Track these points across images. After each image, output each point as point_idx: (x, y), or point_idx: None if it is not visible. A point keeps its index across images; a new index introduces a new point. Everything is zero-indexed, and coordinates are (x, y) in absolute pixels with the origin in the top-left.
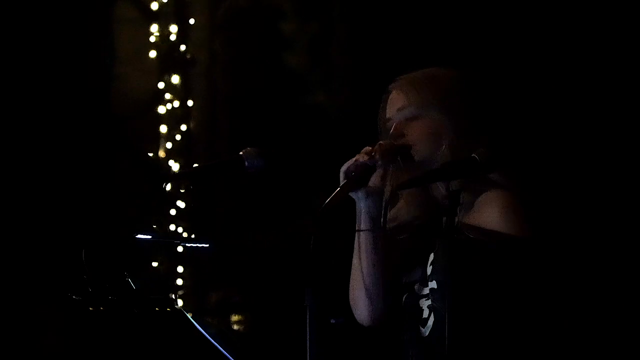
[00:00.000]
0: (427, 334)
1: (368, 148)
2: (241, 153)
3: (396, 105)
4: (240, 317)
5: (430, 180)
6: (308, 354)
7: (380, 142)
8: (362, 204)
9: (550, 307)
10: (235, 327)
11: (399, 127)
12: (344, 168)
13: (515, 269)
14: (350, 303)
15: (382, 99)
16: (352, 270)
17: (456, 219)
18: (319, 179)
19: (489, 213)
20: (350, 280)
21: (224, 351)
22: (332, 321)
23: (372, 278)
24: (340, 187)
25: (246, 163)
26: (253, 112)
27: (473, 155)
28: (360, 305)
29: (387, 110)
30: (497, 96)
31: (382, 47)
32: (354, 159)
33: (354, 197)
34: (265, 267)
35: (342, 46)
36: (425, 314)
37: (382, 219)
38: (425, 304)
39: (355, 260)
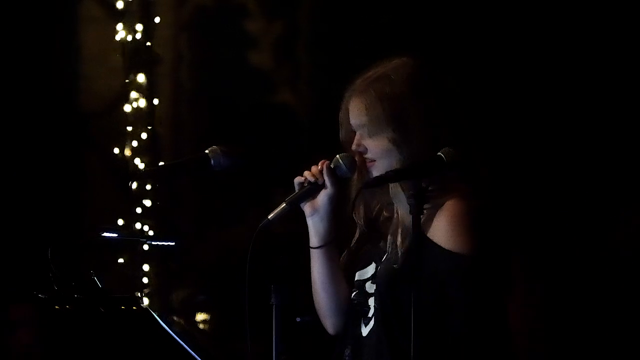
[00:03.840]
0: (366, 333)
1: (315, 168)
2: (207, 152)
3: (357, 117)
4: (205, 315)
5: (398, 179)
6: (274, 353)
7: (326, 161)
8: (309, 220)
9: (489, 317)
10: (201, 325)
11: (361, 141)
12: (296, 180)
13: (455, 282)
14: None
15: (343, 96)
16: (312, 284)
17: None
18: (285, 177)
19: (438, 228)
20: (312, 293)
21: (189, 350)
22: (298, 319)
23: (326, 293)
24: (285, 201)
25: (212, 162)
26: (218, 111)
27: (439, 154)
28: (321, 317)
29: (350, 116)
30: (457, 97)
31: (348, 46)
32: (305, 174)
33: (304, 210)
34: (231, 265)
35: (307, 45)
36: (371, 312)
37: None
38: (372, 302)
39: (312, 275)
